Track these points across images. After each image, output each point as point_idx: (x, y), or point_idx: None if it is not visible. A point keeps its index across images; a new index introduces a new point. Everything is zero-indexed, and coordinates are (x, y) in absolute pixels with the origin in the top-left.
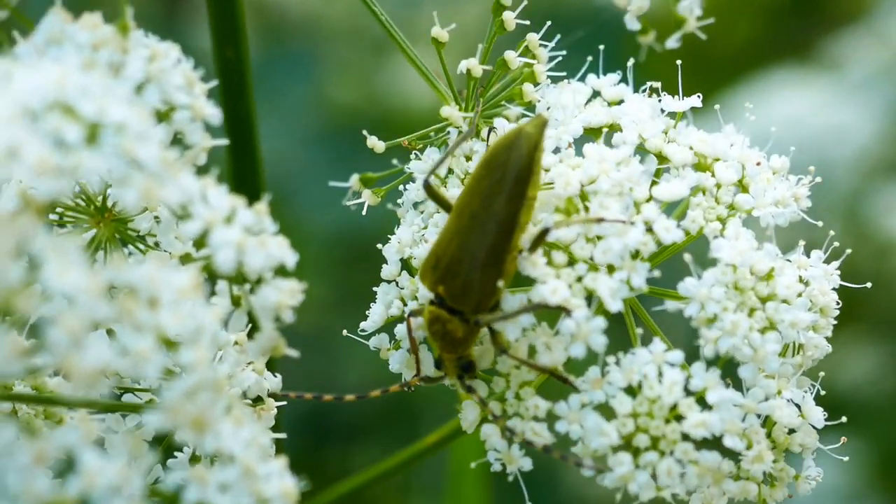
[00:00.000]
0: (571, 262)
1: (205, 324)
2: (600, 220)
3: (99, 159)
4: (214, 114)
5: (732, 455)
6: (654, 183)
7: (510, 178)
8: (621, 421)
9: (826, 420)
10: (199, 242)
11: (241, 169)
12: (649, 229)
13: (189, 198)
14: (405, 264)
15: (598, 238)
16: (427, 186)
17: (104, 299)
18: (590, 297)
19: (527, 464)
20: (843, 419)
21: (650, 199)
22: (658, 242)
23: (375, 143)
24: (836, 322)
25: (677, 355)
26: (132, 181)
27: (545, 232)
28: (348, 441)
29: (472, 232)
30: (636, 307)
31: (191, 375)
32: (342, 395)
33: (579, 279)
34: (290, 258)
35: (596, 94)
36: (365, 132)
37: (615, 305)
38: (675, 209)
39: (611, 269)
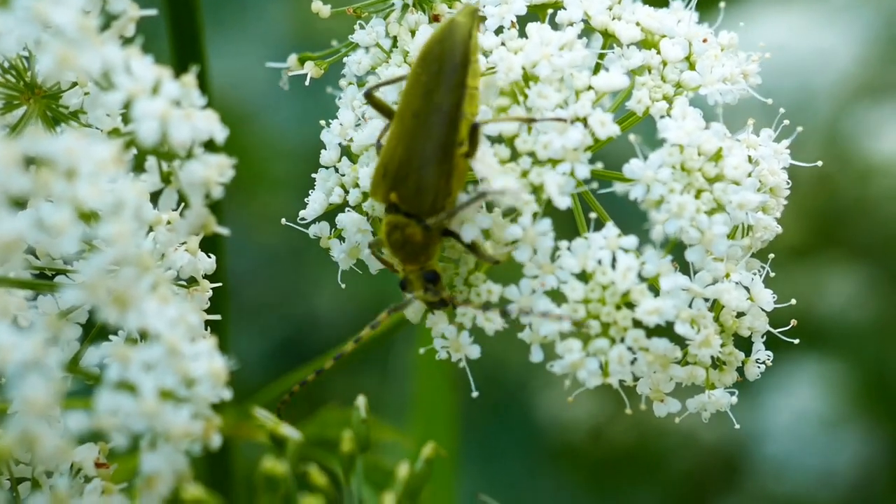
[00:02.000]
0: (515, 156)
1: (126, 197)
2: (532, 120)
3: (10, 21)
4: None
5: (680, 341)
6: (598, 66)
7: (448, 69)
8: (572, 307)
9: (807, 344)
10: (128, 118)
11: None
12: (584, 122)
13: (110, 67)
14: (346, 151)
15: (540, 131)
16: (368, 95)
17: (20, 170)
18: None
19: (474, 352)
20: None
21: (589, 88)
22: (594, 137)
23: (320, 8)
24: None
25: (631, 240)
26: (48, 47)
27: (475, 128)
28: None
29: (417, 130)
30: (585, 194)
31: (111, 249)
32: (322, 368)
33: (525, 174)
34: (219, 132)
35: None
36: None
37: (563, 202)
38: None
39: (553, 161)
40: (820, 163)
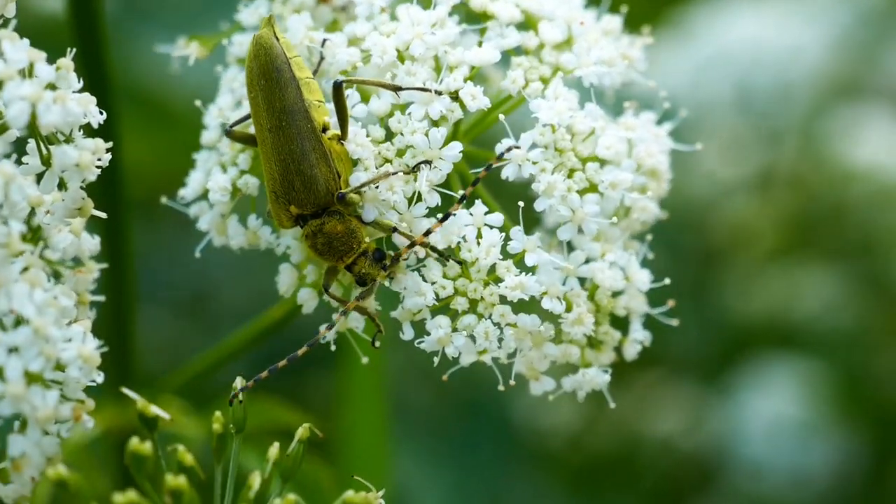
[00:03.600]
0: (390, 136)
1: None
2: (398, 88)
3: None
4: None
5: (556, 319)
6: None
7: (272, 74)
8: (440, 284)
9: (783, 348)
10: None
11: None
12: (455, 98)
13: None
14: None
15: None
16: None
17: None
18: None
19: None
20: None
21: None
22: (464, 109)
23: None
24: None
25: (497, 217)
26: None
27: (337, 87)
28: (301, 369)
29: (278, 140)
30: (464, 171)
31: None
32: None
33: (400, 153)
34: (95, 115)
35: None
36: None
37: (433, 199)
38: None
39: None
40: (699, 145)
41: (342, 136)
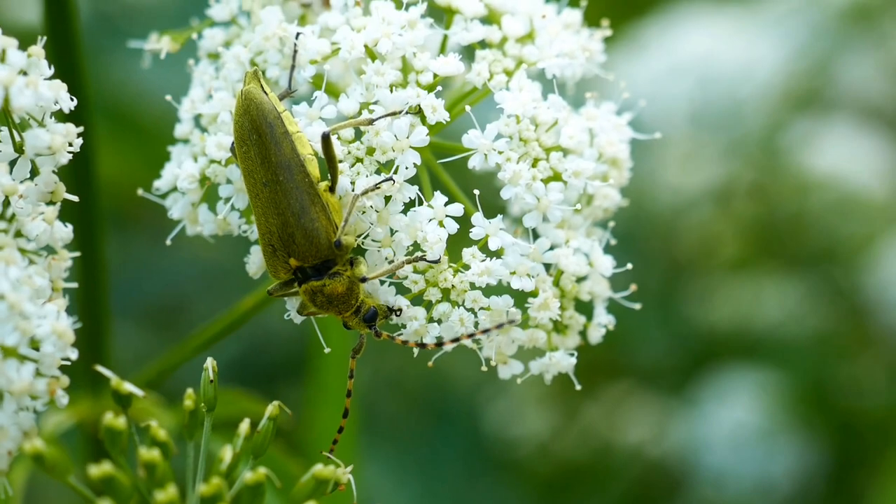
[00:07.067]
0: (358, 135)
1: None
2: (371, 122)
3: None
4: None
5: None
6: (445, 38)
7: (265, 129)
8: (412, 279)
9: (747, 357)
10: None
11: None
12: (417, 112)
13: None
14: (197, 123)
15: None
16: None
17: None
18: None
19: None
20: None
21: (425, 71)
22: (424, 122)
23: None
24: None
25: (457, 207)
26: None
27: (325, 138)
28: (272, 380)
29: (276, 194)
30: (431, 164)
31: None
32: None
33: (370, 151)
34: (66, 101)
35: None
36: None
37: (406, 195)
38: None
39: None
40: (658, 134)
41: (332, 187)
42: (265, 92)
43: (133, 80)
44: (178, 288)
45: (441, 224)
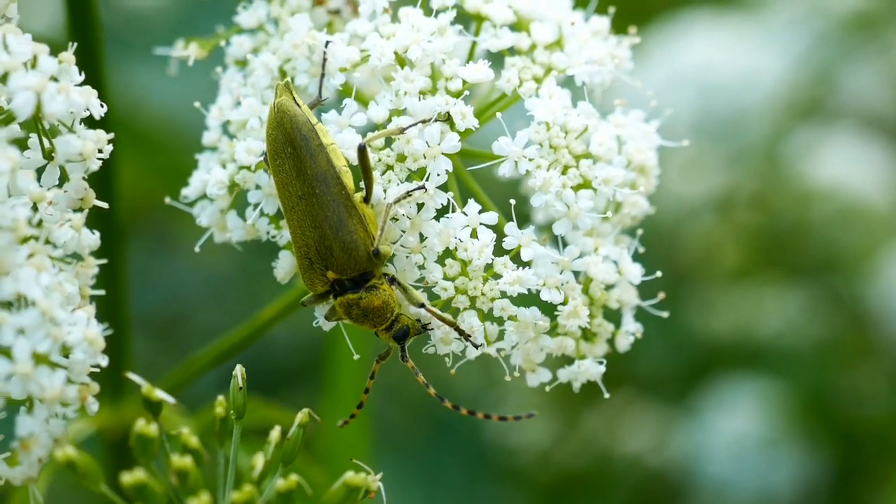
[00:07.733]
0: (389, 142)
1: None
2: (402, 131)
3: None
4: None
5: (552, 313)
6: (474, 44)
7: (300, 142)
8: (441, 286)
9: (748, 366)
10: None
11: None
12: (447, 119)
13: None
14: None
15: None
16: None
17: None
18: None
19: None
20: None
21: (454, 77)
22: (454, 128)
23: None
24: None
25: (492, 216)
26: None
27: (361, 150)
28: (275, 388)
29: (313, 207)
30: (460, 172)
31: None
32: None
33: (401, 158)
34: (97, 107)
35: None
36: None
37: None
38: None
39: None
40: (686, 142)
41: (366, 198)
42: (297, 104)
43: (134, 88)
44: (179, 297)
45: (474, 233)
